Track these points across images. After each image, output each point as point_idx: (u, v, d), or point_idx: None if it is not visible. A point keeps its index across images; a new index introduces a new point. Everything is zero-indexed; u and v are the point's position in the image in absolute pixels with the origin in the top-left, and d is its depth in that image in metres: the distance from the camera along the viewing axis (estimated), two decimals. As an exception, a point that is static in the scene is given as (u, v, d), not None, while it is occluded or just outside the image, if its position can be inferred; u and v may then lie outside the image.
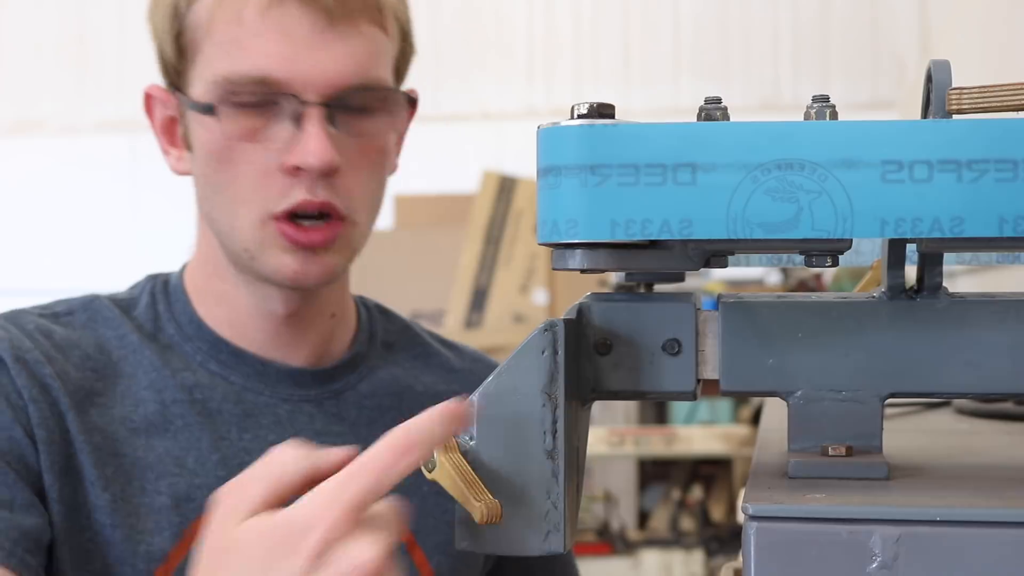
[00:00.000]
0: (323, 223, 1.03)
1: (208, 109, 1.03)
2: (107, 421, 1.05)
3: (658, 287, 0.78)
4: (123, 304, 1.13)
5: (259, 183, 1.03)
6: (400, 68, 1.10)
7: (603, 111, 0.61)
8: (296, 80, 1.01)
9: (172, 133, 1.10)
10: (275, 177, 1.02)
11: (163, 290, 1.14)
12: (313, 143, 1.00)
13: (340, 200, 1.03)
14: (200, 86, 1.04)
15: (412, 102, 1.13)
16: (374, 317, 1.21)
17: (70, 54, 6.06)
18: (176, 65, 1.06)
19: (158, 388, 1.08)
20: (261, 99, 1.02)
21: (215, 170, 1.04)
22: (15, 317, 1.09)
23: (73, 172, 6.09)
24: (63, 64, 6.06)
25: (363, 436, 1.12)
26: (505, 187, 3.97)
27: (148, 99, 1.11)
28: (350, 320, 1.18)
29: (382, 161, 1.08)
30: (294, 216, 1.03)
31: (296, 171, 1.02)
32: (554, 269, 0.65)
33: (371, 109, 1.05)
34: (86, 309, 1.12)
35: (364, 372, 1.16)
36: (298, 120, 1.01)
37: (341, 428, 1.13)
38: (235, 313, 1.11)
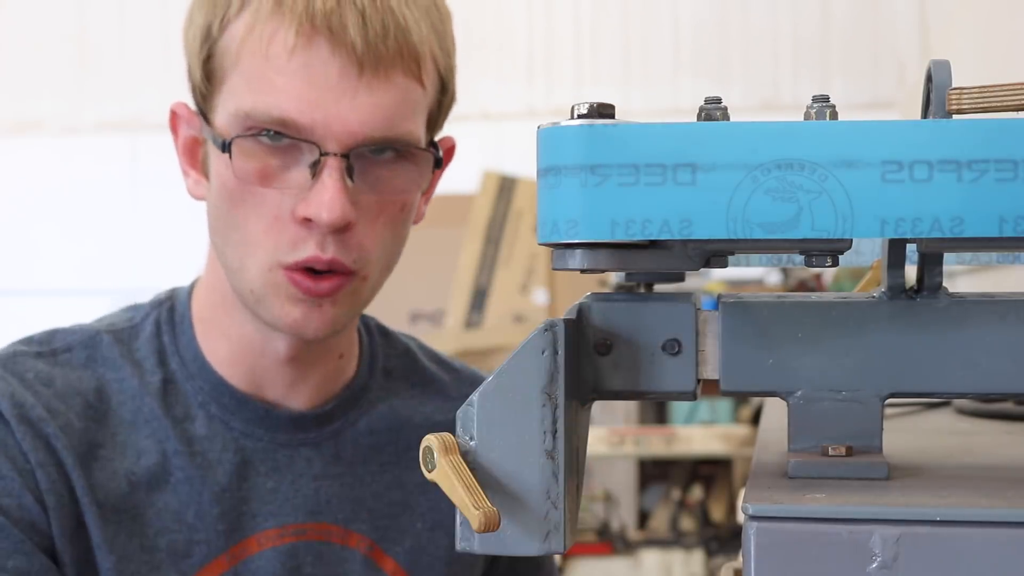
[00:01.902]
0: (329, 274, 1.00)
1: (225, 147, 0.99)
2: (109, 475, 1.03)
3: (658, 287, 0.78)
4: (124, 337, 1.09)
5: (271, 229, 0.99)
6: (434, 119, 1.05)
7: (603, 111, 0.61)
8: (318, 127, 0.96)
9: (194, 155, 1.06)
10: (287, 225, 0.98)
11: (168, 319, 1.10)
12: (328, 196, 0.96)
13: (348, 256, 0.99)
14: (223, 116, 1.00)
15: (449, 151, 1.09)
16: (375, 341, 1.19)
17: (70, 54, 6.06)
18: (203, 89, 1.02)
19: (159, 439, 1.06)
20: (280, 141, 0.97)
21: (228, 208, 1.01)
22: (12, 363, 1.05)
23: (73, 172, 6.09)
24: (63, 64, 6.06)
25: (359, 474, 1.12)
26: (505, 187, 3.97)
27: (173, 116, 1.06)
28: (355, 352, 1.16)
29: (403, 217, 1.03)
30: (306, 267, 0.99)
31: (308, 223, 0.97)
32: (554, 269, 0.65)
33: (395, 164, 1.00)
34: (85, 347, 1.08)
35: (364, 407, 1.14)
36: (315, 169, 0.97)
37: (339, 469, 1.11)
38: (239, 350, 1.08)
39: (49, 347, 1.08)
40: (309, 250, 0.98)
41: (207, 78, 1.01)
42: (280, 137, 0.97)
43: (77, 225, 6.09)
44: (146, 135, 5.83)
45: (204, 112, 1.03)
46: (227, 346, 1.08)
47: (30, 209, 6.15)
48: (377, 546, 1.11)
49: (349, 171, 0.97)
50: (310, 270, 0.99)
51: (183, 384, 1.08)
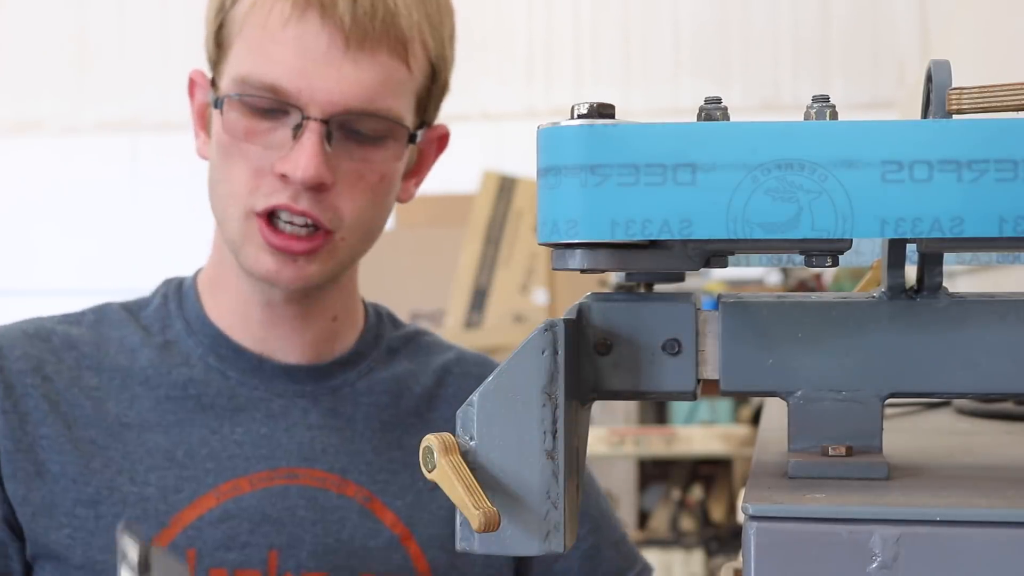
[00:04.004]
0: (306, 232, 1.06)
1: (218, 104, 1.07)
2: (102, 415, 1.10)
3: (658, 287, 0.78)
4: (133, 307, 1.18)
5: (250, 180, 1.06)
6: (425, 104, 1.11)
7: (603, 111, 0.61)
8: (303, 94, 1.04)
9: (204, 118, 1.14)
10: (265, 177, 1.06)
11: (176, 291, 1.18)
12: (305, 155, 1.03)
13: (324, 214, 1.06)
14: (226, 80, 1.08)
15: (442, 138, 1.17)
16: (383, 323, 1.23)
17: (70, 54, 6.06)
18: (214, 56, 1.11)
19: (153, 385, 1.12)
20: (269, 105, 1.05)
21: (219, 162, 1.09)
22: (29, 321, 1.16)
23: (73, 172, 6.09)
24: (63, 64, 6.06)
25: (360, 431, 1.15)
26: (505, 187, 3.97)
27: (191, 83, 1.14)
28: (356, 323, 1.20)
29: (383, 187, 1.09)
30: (273, 216, 1.06)
31: (284, 178, 1.04)
32: (554, 269, 0.65)
33: (374, 137, 1.07)
34: (96, 312, 1.17)
35: (363, 371, 1.18)
36: (297, 131, 1.04)
37: (338, 423, 1.14)
38: (237, 303, 1.14)
39: (67, 315, 1.17)
40: (281, 199, 1.05)
41: (218, 46, 1.10)
42: (268, 101, 1.05)
43: (77, 225, 6.10)
44: (146, 135, 5.83)
45: (214, 78, 1.11)
46: (227, 302, 1.15)
47: (30, 209, 6.15)
48: (376, 498, 1.13)
49: (328, 136, 1.04)
50: (274, 217, 1.05)
51: (185, 341, 1.15)
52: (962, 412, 1.01)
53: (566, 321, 0.66)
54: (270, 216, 1.06)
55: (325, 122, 1.04)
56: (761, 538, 0.57)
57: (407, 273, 3.91)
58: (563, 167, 0.60)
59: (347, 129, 1.06)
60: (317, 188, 1.04)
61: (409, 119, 1.09)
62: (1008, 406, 0.96)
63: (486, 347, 3.58)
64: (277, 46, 1.04)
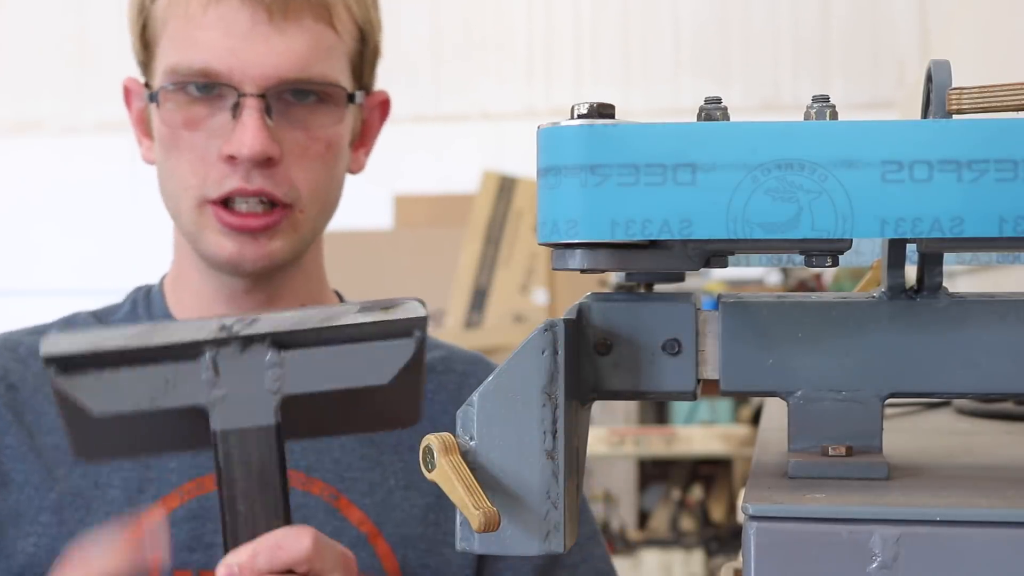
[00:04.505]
0: (263, 209, 1.06)
1: (153, 98, 1.08)
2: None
3: (658, 287, 0.78)
4: (103, 314, 1.18)
5: (198, 169, 1.07)
6: (359, 68, 1.12)
7: (603, 111, 0.61)
8: (235, 72, 1.05)
9: (145, 124, 1.15)
10: (214, 164, 1.06)
11: (145, 296, 1.18)
12: (247, 134, 1.04)
13: (279, 189, 1.06)
14: (157, 78, 1.09)
15: (383, 104, 1.17)
16: None
17: (70, 54, 6.05)
18: (143, 59, 1.12)
19: None
20: (204, 90, 1.06)
21: (164, 159, 1.09)
22: (1, 335, 1.16)
23: (73, 172, 6.09)
24: (63, 64, 6.06)
25: None
26: (505, 187, 3.97)
27: (126, 91, 1.16)
28: None
29: (331, 155, 1.10)
30: (229, 202, 1.06)
31: (232, 160, 1.05)
32: (554, 269, 0.65)
33: (316, 105, 1.08)
34: (65, 322, 1.17)
35: None
36: (236, 111, 1.05)
37: None
38: (200, 299, 1.14)
39: (36, 327, 1.17)
40: (234, 183, 1.05)
41: (145, 47, 1.11)
42: (203, 87, 1.06)
43: (77, 225, 6.09)
44: (146, 135, 5.82)
45: (147, 80, 1.13)
46: (189, 299, 1.15)
47: (30, 209, 6.14)
48: (343, 496, 1.12)
49: (268, 110, 1.05)
50: (230, 203, 1.06)
51: None
52: (962, 412, 1.01)
53: (566, 321, 0.66)
54: (225, 202, 1.06)
55: (262, 96, 1.05)
56: (761, 538, 0.57)
57: (407, 273, 3.91)
58: (563, 167, 0.60)
59: (285, 100, 1.06)
60: (266, 164, 1.05)
61: (346, 82, 1.10)
62: (1008, 406, 0.96)
63: (486, 347, 3.58)
64: (202, 31, 1.05)
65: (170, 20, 1.07)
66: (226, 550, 0.86)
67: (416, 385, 0.87)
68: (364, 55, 1.13)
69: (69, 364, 0.84)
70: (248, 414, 0.85)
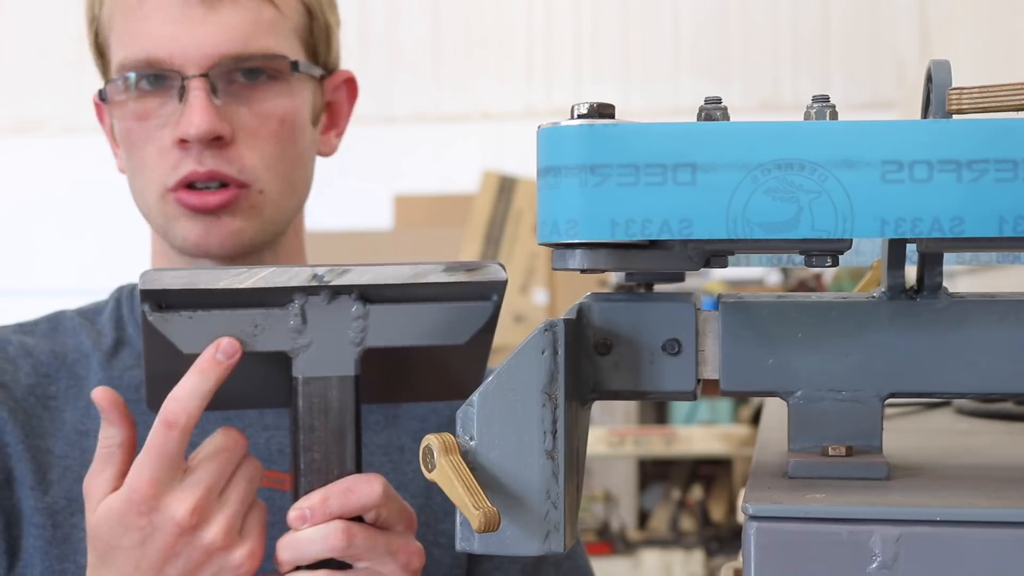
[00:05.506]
0: (218, 188, 1.06)
1: (104, 97, 1.09)
2: (59, 424, 1.09)
3: (658, 287, 0.78)
4: (89, 313, 1.17)
5: (156, 160, 1.07)
6: (310, 43, 1.12)
7: (603, 111, 0.61)
8: (176, 56, 1.05)
9: (115, 135, 1.14)
10: (169, 152, 1.06)
11: (129, 294, 1.18)
12: (194, 114, 1.04)
13: (232, 167, 1.06)
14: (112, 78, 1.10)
15: (349, 83, 1.17)
16: None
17: (70, 54, 6.04)
18: (101, 67, 1.13)
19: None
20: (153, 81, 1.07)
21: (128, 158, 1.10)
22: None
23: (73, 172, 6.09)
24: (63, 64, 6.05)
25: None
26: (505, 187, 3.97)
27: (97, 107, 1.15)
28: None
29: (286, 131, 1.09)
30: (189, 185, 1.06)
31: (184, 144, 1.05)
32: (554, 269, 0.65)
33: (266, 82, 1.08)
34: (50, 321, 1.17)
35: None
36: (182, 94, 1.05)
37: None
38: None
39: (22, 325, 1.16)
40: (188, 167, 1.06)
41: (100, 55, 1.12)
42: (151, 79, 1.06)
43: (77, 225, 6.09)
44: (146, 135, 5.82)
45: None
46: None
47: (30, 209, 6.15)
48: None
49: (213, 89, 1.05)
50: (192, 186, 1.06)
51: (136, 343, 1.13)
52: (962, 412, 1.01)
53: (566, 321, 0.66)
54: (185, 185, 1.06)
55: (205, 76, 1.05)
56: (761, 538, 0.57)
57: (407, 273, 3.90)
58: (563, 167, 0.60)
59: (233, 80, 1.06)
60: (218, 144, 1.05)
61: (296, 57, 1.09)
62: (1008, 406, 0.96)
63: (486, 347, 3.57)
64: (141, 23, 1.06)
65: (115, 20, 1.09)
66: (296, 497, 0.87)
67: (485, 351, 0.88)
68: (314, 31, 1.12)
69: (164, 300, 0.84)
70: (330, 363, 0.86)
